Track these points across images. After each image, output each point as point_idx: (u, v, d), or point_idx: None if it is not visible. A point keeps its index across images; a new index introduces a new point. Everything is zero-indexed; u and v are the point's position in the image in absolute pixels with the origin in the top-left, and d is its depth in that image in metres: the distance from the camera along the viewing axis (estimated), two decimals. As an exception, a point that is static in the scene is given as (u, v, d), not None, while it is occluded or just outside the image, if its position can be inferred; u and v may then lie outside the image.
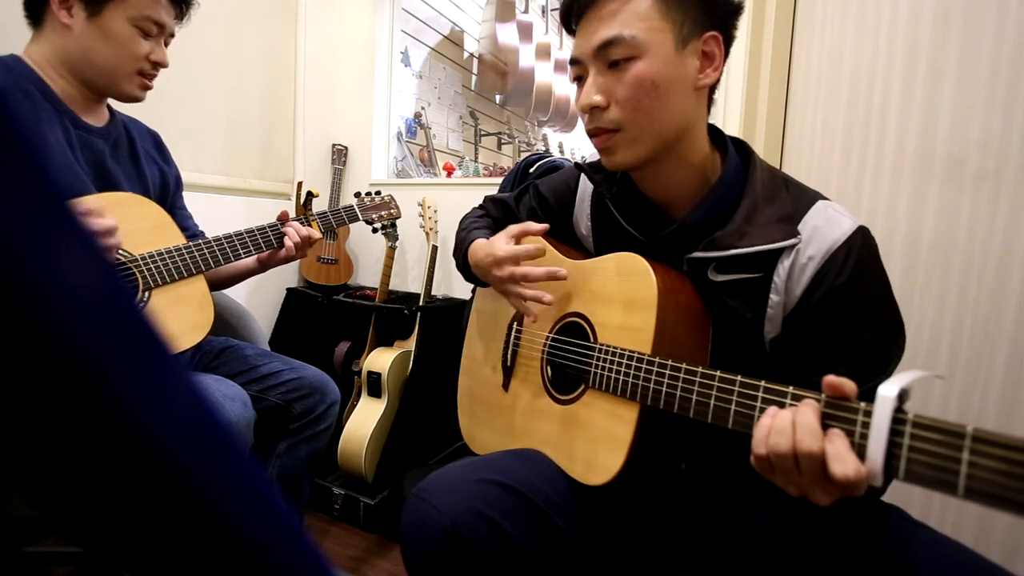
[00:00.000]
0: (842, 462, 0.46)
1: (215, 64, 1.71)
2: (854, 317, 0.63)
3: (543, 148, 3.09)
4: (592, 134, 0.71)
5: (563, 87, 3.06)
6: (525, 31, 2.77)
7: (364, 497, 1.53)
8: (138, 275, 0.95)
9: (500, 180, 1.51)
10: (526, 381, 0.86)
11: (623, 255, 0.75)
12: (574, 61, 0.71)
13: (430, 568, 0.62)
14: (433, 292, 1.79)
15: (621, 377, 0.68)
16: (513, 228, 0.83)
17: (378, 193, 1.38)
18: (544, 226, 0.83)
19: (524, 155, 1.82)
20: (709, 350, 0.71)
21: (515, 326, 0.91)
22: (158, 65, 0.98)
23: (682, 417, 0.63)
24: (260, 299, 1.89)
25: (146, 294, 0.95)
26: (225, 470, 0.17)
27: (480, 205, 1.05)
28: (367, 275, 2.17)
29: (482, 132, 2.94)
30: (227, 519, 0.17)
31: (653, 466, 0.71)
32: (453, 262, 0.99)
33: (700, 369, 0.61)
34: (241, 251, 1.07)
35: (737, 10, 0.68)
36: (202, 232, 1.18)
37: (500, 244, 0.82)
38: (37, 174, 0.13)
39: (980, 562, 0.57)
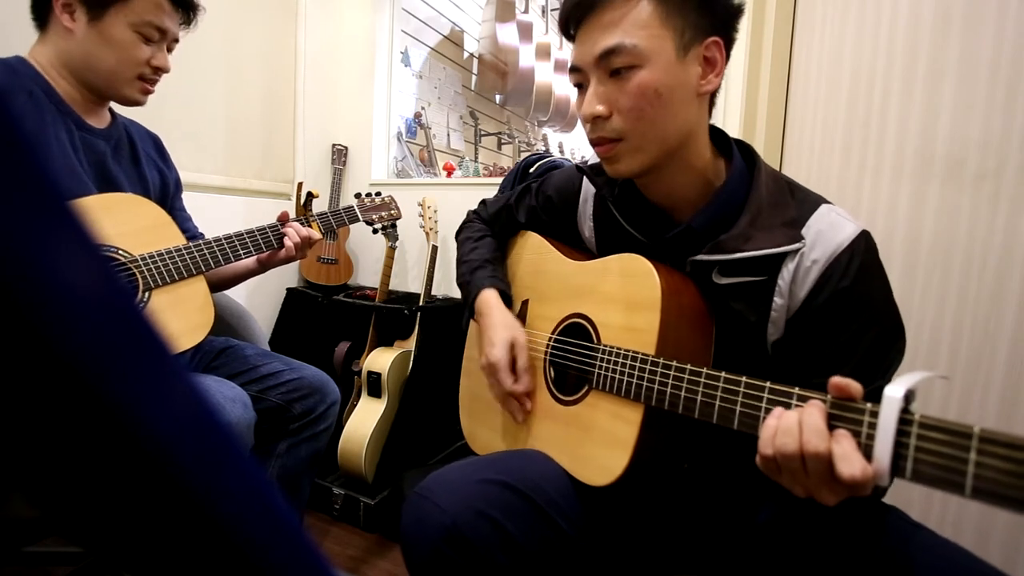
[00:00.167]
0: (849, 462, 0.46)
1: (215, 64, 1.71)
2: (856, 320, 0.63)
3: (543, 148, 3.09)
4: (595, 143, 0.71)
5: (563, 87, 3.06)
6: (525, 31, 2.77)
7: (364, 497, 1.53)
8: (138, 275, 0.95)
9: (500, 180, 1.51)
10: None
11: (626, 256, 0.75)
12: (574, 68, 0.70)
13: (431, 567, 0.62)
14: (433, 292, 1.79)
15: (625, 378, 0.68)
16: (517, 346, 0.83)
17: (378, 194, 1.38)
18: (524, 388, 0.82)
19: (524, 155, 1.82)
20: (712, 351, 0.71)
21: (516, 326, 0.91)
22: (159, 70, 0.98)
23: (685, 418, 0.63)
24: (260, 299, 1.89)
25: (146, 294, 0.95)
26: (225, 470, 0.17)
27: (477, 213, 1.04)
28: (367, 275, 2.17)
29: (482, 132, 2.94)
30: (227, 519, 0.17)
31: (656, 466, 0.71)
32: (453, 262, 0.99)
33: (705, 370, 0.61)
34: (241, 251, 1.07)
35: (737, 13, 0.68)
36: (201, 234, 1.18)
37: (498, 353, 0.81)
38: (37, 174, 0.13)
39: (979, 565, 0.57)
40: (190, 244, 1.02)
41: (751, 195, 0.69)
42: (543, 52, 2.91)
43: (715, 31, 0.66)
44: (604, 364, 0.72)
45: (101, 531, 0.20)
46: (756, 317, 0.68)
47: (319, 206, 1.91)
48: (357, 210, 1.30)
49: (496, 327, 0.84)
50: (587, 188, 0.87)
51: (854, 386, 0.50)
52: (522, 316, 0.91)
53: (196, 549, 0.18)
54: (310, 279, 1.96)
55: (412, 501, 0.66)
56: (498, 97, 2.95)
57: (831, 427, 0.50)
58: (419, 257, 2.05)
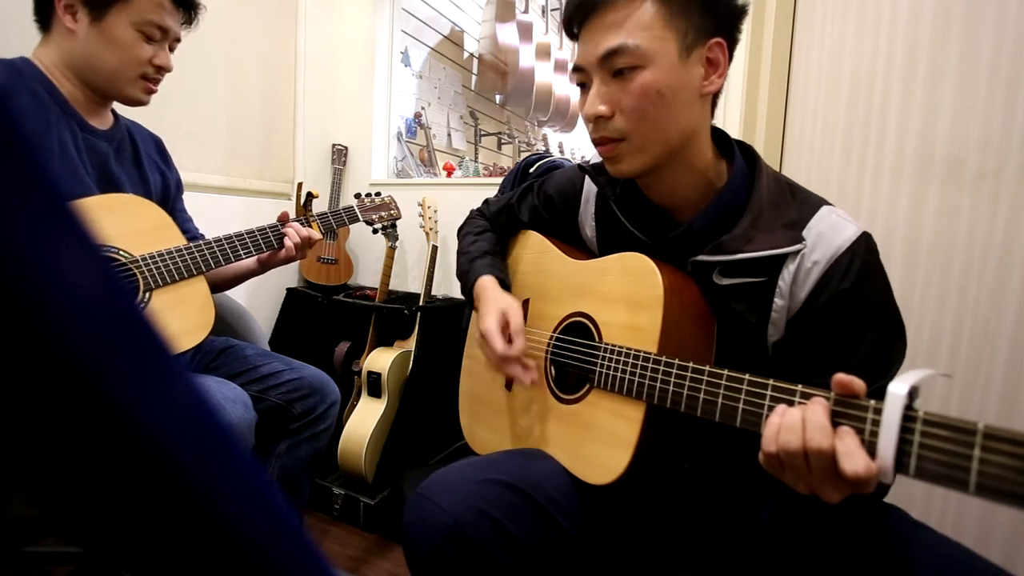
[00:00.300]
0: (853, 459, 0.47)
1: (215, 64, 1.71)
2: (857, 321, 0.64)
3: (543, 148, 3.09)
4: (597, 143, 0.71)
5: (563, 87, 3.05)
6: (525, 31, 2.77)
7: (364, 497, 1.53)
8: (139, 276, 0.95)
9: (500, 180, 1.51)
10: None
11: (628, 255, 0.75)
12: (577, 68, 0.70)
13: (433, 567, 0.62)
14: (433, 292, 1.79)
15: (627, 376, 0.68)
16: (507, 313, 0.80)
17: (378, 194, 1.38)
18: (515, 351, 0.78)
19: (524, 155, 1.82)
20: (714, 350, 0.72)
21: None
22: (162, 69, 0.99)
23: (687, 416, 0.63)
24: (260, 299, 1.89)
25: (147, 295, 0.95)
26: (225, 470, 0.17)
27: (480, 211, 1.05)
28: (367, 275, 2.17)
29: (482, 132, 2.94)
30: (227, 519, 0.17)
31: (657, 465, 0.71)
32: (453, 262, 0.99)
33: (708, 368, 0.61)
34: (241, 252, 1.08)
35: (741, 14, 0.68)
36: (202, 235, 1.18)
37: (488, 321, 0.79)
38: (37, 174, 0.13)
39: (981, 563, 0.57)
40: (190, 244, 1.02)
41: (752, 196, 0.69)
42: (543, 52, 2.91)
43: (718, 32, 0.66)
44: (605, 363, 0.72)
45: (101, 531, 0.20)
46: (756, 318, 0.68)
47: (319, 206, 1.91)
48: (357, 210, 1.30)
49: (490, 302, 0.83)
50: (589, 188, 0.87)
51: (857, 383, 0.50)
52: (523, 315, 0.91)
53: (196, 549, 0.18)
54: (310, 279, 1.96)
55: (413, 501, 0.66)
56: (498, 97, 2.95)
57: (835, 424, 0.50)
58: (419, 257, 2.05)
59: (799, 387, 0.54)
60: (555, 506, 0.68)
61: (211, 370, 1.11)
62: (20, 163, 0.13)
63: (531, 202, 0.95)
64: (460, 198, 1.83)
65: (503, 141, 3.16)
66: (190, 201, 1.22)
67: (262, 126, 1.90)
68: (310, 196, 1.82)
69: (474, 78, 2.98)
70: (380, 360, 1.66)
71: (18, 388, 0.15)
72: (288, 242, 1.11)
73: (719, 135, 0.75)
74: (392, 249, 1.80)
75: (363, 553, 1.44)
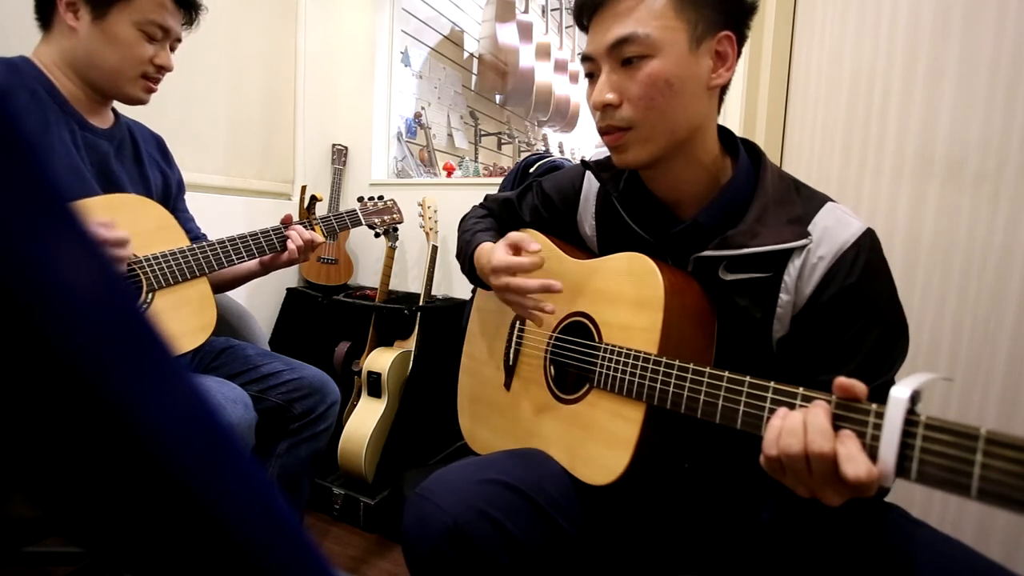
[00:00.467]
0: (854, 463, 0.46)
1: (215, 64, 1.71)
2: (862, 317, 0.64)
3: (543, 148, 3.09)
4: (603, 132, 0.71)
5: (563, 87, 3.05)
6: (525, 31, 2.77)
7: (364, 497, 1.53)
8: (142, 276, 0.95)
9: (500, 180, 1.51)
10: (529, 381, 0.86)
11: (628, 255, 0.75)
12: (586, 58, 0.70)
13: (433, 567, 0.62)
14: (433, 292, 1.79)
15: (627, 377, 0.68)
16: (512, 236, 0.82)
17: (380, 198, 1.39)
18: (538, 247, 0.80)
19: (524, 155, 1.82)
20: (714, 351, 0.72)
21: (518, 325, 0.91)
22: (162, 69, 0.99)
23: (687, 417, 0.63)
24: (260, 299, 1.89)
25: (149, 295, 0.95)
26: (225, 470, 0.17)
27: (482, 204, 1.05)
28: (367, 275, 2.17)
29: (482, 132, 2.94)
30: (227, 519, 0.17)
31: (657, 466, 0.71)
32: (453, 262, 0.99)
33: (708, 369, 0.61)
34: (244, 254, 1.08)
35: (751, 10, 0.69)
36: (204, 235, 1.18)
37: (498, 253, 0.80)
38: (37, 174, 0.13)
39: (981, 561, 0.57)
40: (193, 246, 1.02)
41: (757, 192, 0.70)
42: (543, 52, 2.91)
43: (728, 25, 0.67)
44: (605, 363, 0.72)
45: (101, 531, 0.20)
46: (762, 313, 0.68)
47: (320, 208, 1.91)
48: (360, 214, 1.31)
49: (491, 249, 0.83)
50: (588, 186, 0.87)
51: (859, 387, 0.50)
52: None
53: (196, 549, 0.18)
54: (310, 279, 1.96)
55: (413, 501, 0.66)
56: (498, 97, 2.95)
57: (836, 427, 0.50)
58: (419, 257, 2.05)
59: (800, 390, 0.54)
60: (555, 506, 0.68)
61: (211, 370, 1.11)
62: (19, 162, 0.13)
63: (531, 201, 0.95)
64: (460, 198, 1.83)
65: (503, 141, 3.16)
66: (190, 201, 1.23)
67: (262, 126, 1.90)
68: (313, 199, 1.82)
69: (474, 78, 2.98)
70: (380, 360, 1.66)
71: (18, 388, 0.15)
72: (291, 245, 1.12)
73: (724, 133, 0.75)
74: (392, 249, 1.80)
75: (363, 553, 1.44)
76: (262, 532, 0.17)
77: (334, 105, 2.16)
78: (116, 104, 1.04)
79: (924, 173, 1.18)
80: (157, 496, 0.16)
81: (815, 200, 0.69)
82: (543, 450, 0.77)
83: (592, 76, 0.71)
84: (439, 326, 1.72)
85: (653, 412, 0.67)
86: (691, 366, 0.63)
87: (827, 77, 1.32)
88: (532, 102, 2.86)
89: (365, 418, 1.63)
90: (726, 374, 0.60)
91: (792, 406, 0.54)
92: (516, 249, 0.81)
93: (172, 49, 1.01)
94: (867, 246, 0.64)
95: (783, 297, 0.67)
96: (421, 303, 1.73)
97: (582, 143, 3.56)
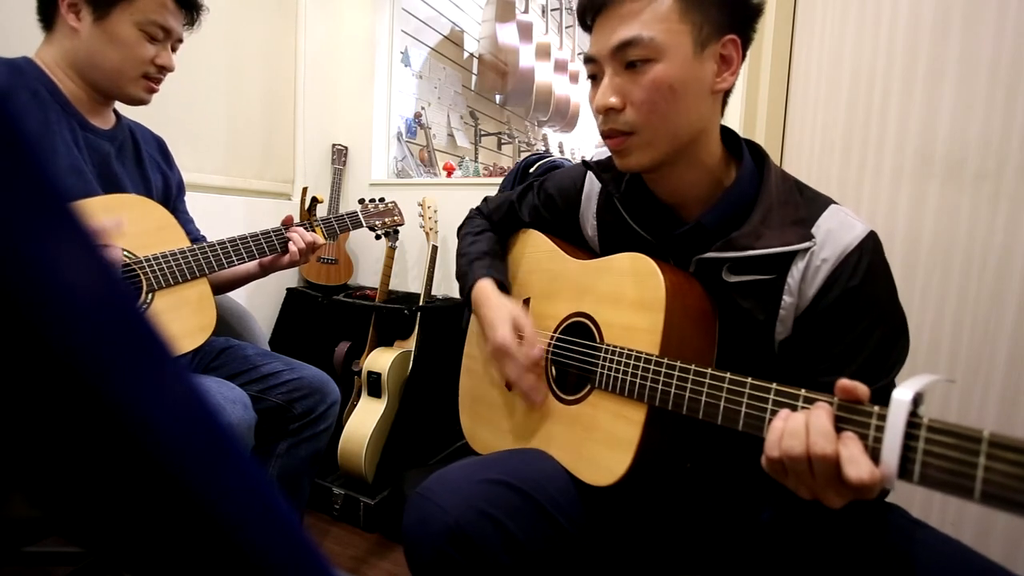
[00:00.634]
0: (856, 465, 0.46)
1: (215, 64, 1.71)
2: (864, 319, 0.64)
3: (543, 148, 3.09)
4: (606, 135, 0.70)
5: (563, 87, 3.05)
6: (525, 31, 2.77)
7: (364, 497, 1.53)
8: (142, 277, 0.95)
9: (500, 180, 1.51)
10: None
11: (630, 255, 0.75)
12: (589, 59, 0.70)
13: (434, 568, 0.62)
14: (433, 292, 1.79)
15: (628, 378, 0.68)
16: (516, 317, 0.81)
17: (382, 199, 1.39)
18: (540, 353, 0.80)
19: (524, 155, 1.82)
20: (715, 352, 0.71)
21: (517, 325, 0.91)
22: (164, 69, 0.99)
23: (688, 417, 0.63)
24: (260, 299, 1.89)
25: (149, 296, 0.95)
26: (225, 470, 0.17)
27: (479, 210, 1.04)
28: (367, 275, 2.17)
29: (482, 132, 2.94)
30: (227, 519, 0.17)
31: (659, 466, 0.71)
32: (453, 262, 0.99)
33: (710, 371, 0.61)
34: (245, 255, 1.08)
35: (757, 12, 0.68)
36: (203, 236, 1.18)
37: (501, 332, 0.80)
38: (38, 174, 0.13)
39: (981, 561, 0.57)
40: (194, 246, 1.02)
41: (761, 194, 0.69)
42: (543, 52, 2.91)
43: (733, 29, 0.66)
44: (607, 363, 0.72)
45: (101, 531, 0.20)
46: (765, 315, 0.68)
47: (321, 209, 1.91)
48: (361, 216, 1.31)
49: (495, 309, 0.84)
50: (590, 186, 0.87)
51: (861, 388, 0.50)
52: (523, 316, 0.91)
53: (196, 549, 0.18)
54: (310, 279, 1.96)
55: (414, 501, 0.66)
56: (498, 97, 2.95)
57: (838, 429, 0.50)
58: (419, 257, 2.05)
59: (802, 391, 0.54)
60: (556, 506, 0.68)
61: (211, 370, 1.11)
62: (20, 162, 0.13)
63: (532, 201, 0.95)
64: (460, 198, 1.83)
65: (503, 141, 3.16)
66: (190, 201, 1.23)
67: (262, 126, 1.90)
68: (314, 201, 1.83)
69: (474, 78, 2.98)
70: (380, 360, 1.66)
71: (18, 388, 0.15)
72: (293, 248, 1.12)
73: (728, 134, 0.75)
74: (392, 249, 1.80)
75: (363, 553, 1.44)
76: (262, 532, 0.17)
77: (334, 105, 2.16)
78: (117, 104, 1.04)
79: (924, 173, 1.18)
80: (157, 496, 0.16)
81: (818, 202, 0.69)
82: (544, 450, 0.77)
83: (595, 78, 0.70)
84: (439, 326, 1.72)
85: (655, 413, 0.67)
86: (692, 367, 0.63)
87: (827, 77, 1.32)
88: (532, 102, 2.85)
89: (365, 418, 1.63)
90: (728, 375, 0.60)
91: (794, 407, 0.54)
92: (517, 331, 0.81)
93: (174, 49, 1.01)
94: (870, 249, 0.64)
95: (786, 299, 0.66)
96: (421, 303, 1.73)
97: (582, 143, 3.56)
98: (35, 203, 0.13)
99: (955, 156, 1.14)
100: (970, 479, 0.42)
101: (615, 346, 0.72)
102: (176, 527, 0.18)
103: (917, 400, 0.46)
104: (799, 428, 0.50)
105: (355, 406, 1.71)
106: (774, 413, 0.55)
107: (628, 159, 0.70)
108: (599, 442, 0.71)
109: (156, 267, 0.96)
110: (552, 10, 3.18)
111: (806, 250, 0.65)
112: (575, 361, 0.78)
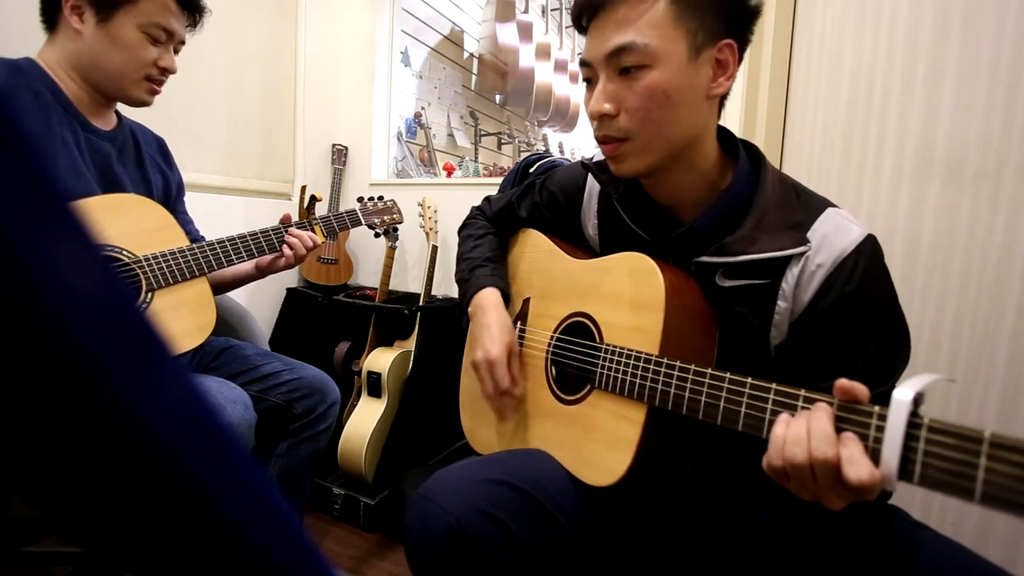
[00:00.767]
0: (856, 466, 0.46)
1: (215, 64, 1.71)
2: (861, 325, 0.63)
3: (543, 148, 3.09)
4: (601, 141, 0.70)
5: (563, 87, 3.05)
6: (525, 31, 2.77)
7: (364, 497, 1.53)
8: (141, 276, 0.95)
9: (500, 180, 1.51)
10: (530, 381, 0.85)
11: (630, 255, 0.75)
12: (584, 63, 0.69)
13: (435, 568, 0.62)
14: (433, 292, 1.79)
15: (628, 378, 0.68)
16: (513, 350, 0.84)
17: (380, 198, 1.39)
18: (515, 392, 0.83)
19: (524, 155, 1.82)
20: (716, 351, 0.71)
21: (519, 325, 0.91)
22: (166, 71, 1.00)
23: (688, 418, 0.63)
24: (260, 299, 1.89)
25: (149, 295, 0.95)
26: (225, 470, 0.17)
27: (481, 210, 1.04)
28: (367, 275, 2.17)
29: (482, 132, 2.94)
30: (227, 519, 0.17)
31: (659, 467, 0.71)
32: (453, 262, 0.99)
33: (709, 371, 0.61)
34: (244, 253, 1.08)
35: (753, 15, 0.67)
36: (202, 237, 1.18)
37: (495, 350, 0.81)
38: (38, 175, 0.13)
39: (982, 564, 0.57)
40: (193, 246, 1.02)
41: (756, 197, 0.69)
42: (543, 52, 2.91)
43: (729, 33, 0.65)
44: (606, 364, 0.72)
45: (101, 531, 0.20)
46: (759, 321, 0.67)
47: (320, 208, 1.91)
48: (360, 214, 1.31)
49: (493, 326, 0.84)
50: (591, 186, 0.86)
51: (860, 388, 0.50)
52: (523, 314, 0.91)
53: (196, 549, 0.18)
54: (310, 279, 1.96)
55: (415, 502, 0.66)
56: (498, 97, 2.95)
57: (838, 430, 0.49)
58: (419, 257, 2.05)
59: (802, 392, 0.54)
60: (557, 507, 0.68)
61: (211, 370, 1.11)
62: (20, 163, 0.13)
63: (532, 200, 0.95)
64: (460, 198, 1.83)
65: (503, 141, 3.16)
66: (190, 201, 1.23)
67: (262, 126, 1.90)
68: (313, 199, 1.83)
69: (474, 78, 2.98)
70: (380, 360, 1.66)
71: (18, 388, 0.15)
72: (288, 252, 1.12)
73: (725, 135, 0.74)
74: (392, 249, 1.80)
75: (363, 553, 1.44)
76: (262, 532, 0.17)
77: (334, 105, 2.16)
78: (119, 105, 1.05)
79: (924, 173, 1.18)
80: (157, 496, 0.16)
81: (815, 205, 0.68)
82: (545, 450, 0.77)
83: (590, 81, 0.70)
84: (439, 326, 1.72)
85: (654, 413, 0.67)
86: (692, 367, 0.63)
87: (827, 77, 1.32)
88: (532, 102, 2.85)
89: (365, 418, 1.63)
90: (728, 375, 0.60)
91: (794, 407, 0.54)
92: (510, 357, 0.83)
93: (176, 51, 1.01)
94: (867, 253, 0.63)
95: (780, 304, 0.66)
96: (421, 303, 1.73)
97: (582, 143, 3.56)
98: (35, 203, 0.13)
99: (955, 156, 1.14)
100: (971, 480, 0.41)
101: (615, 346, 0.72)
102: (176, 527, 0.18)
103: (918, 400, 0.46)
104: (801, 434, 0.50)
105: (355, 406, 1.71)
106: (774, 413, 0.55)
107: (622, 165, 0.70)
108: (599, 442, 0.71)
109: (155, 266, 0.96)
110: (552, 10, 3.18)
111: (801, 255, 0.64)
112: (575, 361, 0.78)
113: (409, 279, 2.09)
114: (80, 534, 0.21)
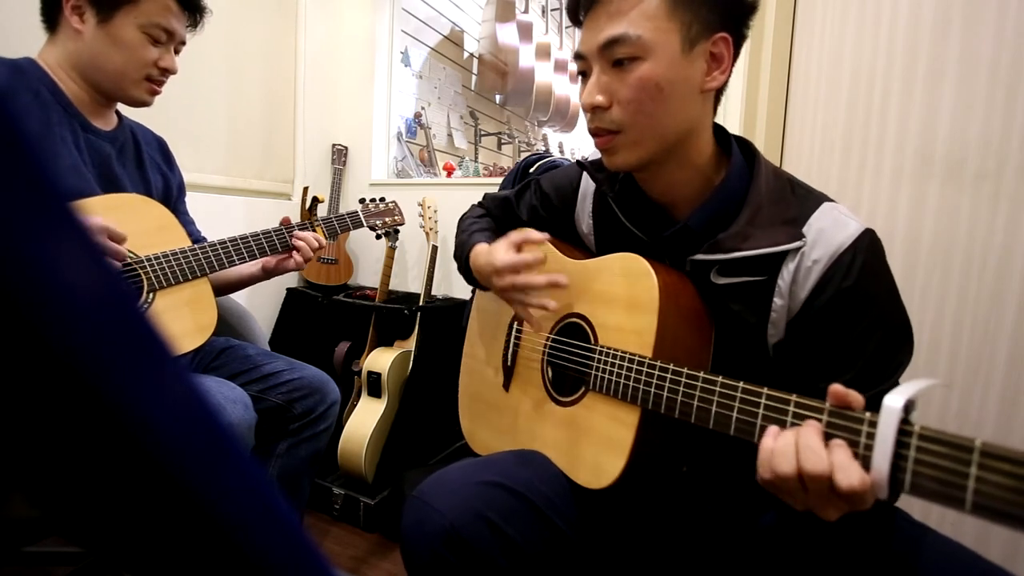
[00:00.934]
0: (846, 473, 0.46)
1: (216, 64, 1.71)
2: (860, 321, 0.62)
3: (543, 148, 3.09)
4: (594, 133, 0.70)
5: (563, 87, 3.05)
6: (525, 31, 2.77)
7: (364, 497, 1.53)
8: (143, 276, 0.95)
9: (500, 180, 1.51)
10: (527, 382, 0.86)
11: (624, 256, 0.74)
12: (579, 56, 0.69)
13: (430, 570, 0.62)
14: (433, 292, 1.79)
15: (622, 380, 0.68)
16: (514, 235, 0.81)
17: (382, 199, 1.39)
18: (544, 236, 0.81)
19: (524, 155, 1.82)
20: (711, 353, 0.71)
21: (516, 326, 0.91)
22: (167, 71, 1.00)
23: (683, 421, 0.62)
24: (260, 299, 1.89)
25: (150, 295, 0.95)
26: (225, 470, 0.17)
27: (480, 203, 1.04)
28: (367, 275, 2.17)
29: (482, 132, 2.94)
30: (227, 519, 0.17)
31: (654, 469, 0.70)
32: (453, 262, 0.99)
33: (701, 374, 0.61)
34: (246, 254, 1.08)
35: (750, 10, 0.66)
36: (203, 237, 1.18)
37: (500, 253, 0.79)
38: (38, 174, 0.13)
39: (982, 564, 0.57)
40: (195, 246, 1.02)
41: (750, 192, 0.68)
42: (543, 52, 2.91)
43: (724, 27, 0.65)
44: (601, 365, 0.71)
45: (101, 531, 0.20)
46: (756, 318, 0.67)
47: (321, 209, 1.91)
48: (361, 216, 1.31)
49: (492, 247, 0.82)
50: (586, 185, 0.86)
51: (854, 396, 0.49)
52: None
53: (196, 549, 0.18)
54: (310, 279, 1.96)
55: (411, 504, 0.66)
56: (498, 97, 2.95)
57: (828, 436, 0.49)
58: (419, 257, 2.05)
59: (793, 397, 0.53)
60: (553, 509, 0.68)
61: (211, 370, 1.11)
62: (20, 162, 0.13)
63: (529, 200, 0.95)
64: (460, 198, 1.83)
65: (503, 141, 3.16)
66: (190, 201, 1.23)
67: (262, 126, 1.90)
68: (315, 201, 1.83)
69: (474, 78, 2.98)
70: (380, 360, 1.66)
71: (18, 388, 0.15)
72: (298, 257, 1.12)
73: (719, 132, 0.74)
74: (392, 249, 1.80)
75: (363, 553, 1.44)
76: (262, 532, 0.17)
77: (334, 105, 2.16)
78: (119, 106, 1.05)
79: (924, 173, 1.18)
80: (157, 496, 0.16)
81: (811, 200, 0.67)
82: (541, 451, 0.77)
83: (584, 74, 0.69)
84: (439, 326, 1.72)
85: (648, 416, 0.66)
86: (684, 371, 0.62)
87: (827, 77, 1.32)
88: (532, 102, 2.86)
89: (365, 418, 1.63)
90: (719, 379, 0.59)
91: (784, 412, 0.53)
92: (518, 248, 0.80)
93: (176, 52, 1.01)
94: (865, 247, 0.62)
95: (777, 301, 0.65)
96: (421, 303, 1.73)
97: (582, 143, 3.56)
98: (35, 203, 0.13)
99: (955, 156, 1.14)
100: (961, 490, 0.41)
101: (609, 348, 0.71)
102: (176, 527, 0.18)
103: (909, 407, 0.45)
104: (788, 448, 0.49)
105: (355, 406, 1.71)
106: (766, 419, 0.54)
107: (615, 158, 0.69)
108: (593, 445, 0.71)
109: (157, 267, 0.96)
110: (552, 10, 3.18)
111: (796, 250, 0.63)
112: (570, 363, 0.78)
113: (409, 279, 2.09)
114: (80, 534, 0.21)
